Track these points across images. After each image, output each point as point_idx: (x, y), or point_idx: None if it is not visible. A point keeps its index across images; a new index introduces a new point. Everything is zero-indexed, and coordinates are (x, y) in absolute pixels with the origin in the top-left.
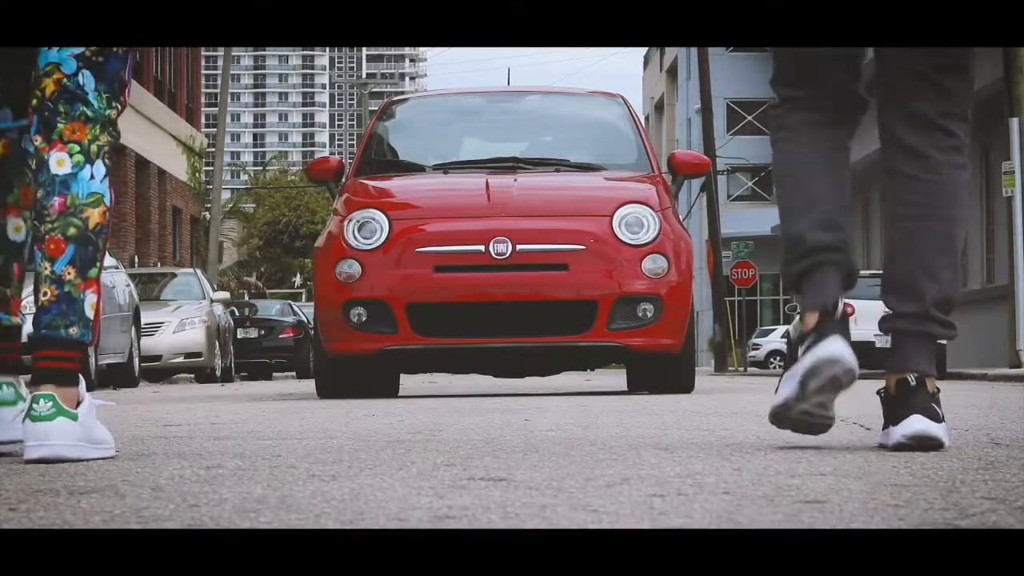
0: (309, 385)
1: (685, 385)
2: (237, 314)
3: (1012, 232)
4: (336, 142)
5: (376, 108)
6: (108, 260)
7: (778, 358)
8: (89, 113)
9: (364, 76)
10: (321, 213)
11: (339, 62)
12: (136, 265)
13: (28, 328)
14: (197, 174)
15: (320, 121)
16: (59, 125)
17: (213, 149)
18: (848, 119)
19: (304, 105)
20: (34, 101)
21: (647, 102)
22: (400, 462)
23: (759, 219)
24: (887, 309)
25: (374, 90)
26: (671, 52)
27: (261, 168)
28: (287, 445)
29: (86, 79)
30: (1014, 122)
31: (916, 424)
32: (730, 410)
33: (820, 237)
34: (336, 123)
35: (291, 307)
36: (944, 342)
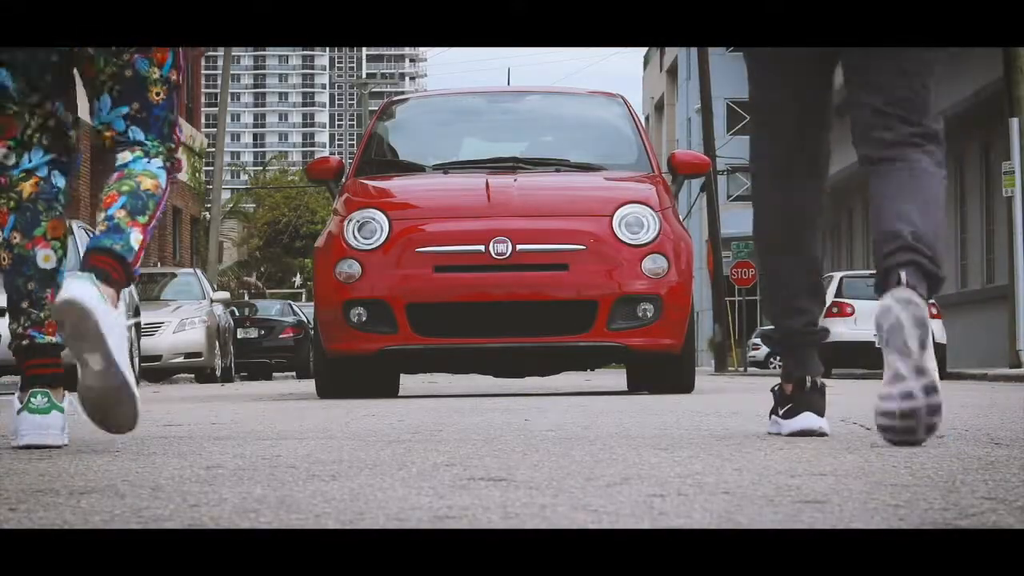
0: (309, 385)
1: (685, 385)
2: (237, 314)
3: (1012, 232)
4: (336, 142)
5: (376, 108)
6: None
7: (778, 358)
8: (150, 146)
9: (364, 76)
10: (321, 213)
11: (339, 62)
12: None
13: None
14: (197, 174)
15: (320, 121)
16: (124, 147)
17: (213, 149)
18: (821, 170)
19: (304, 105)
20: (102, 143)
21: (647, 102)
22: (400, 462)
23: None
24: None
25: (374, 90)
26: (671, 52)
27: (261, 168)
28: (287, 445)
29: (136, 134)
30: (1014, 122)
31: (807, 419)
32: (730, 410)
33: (790, 324)
34: (336, 123)
35: (291, 307)
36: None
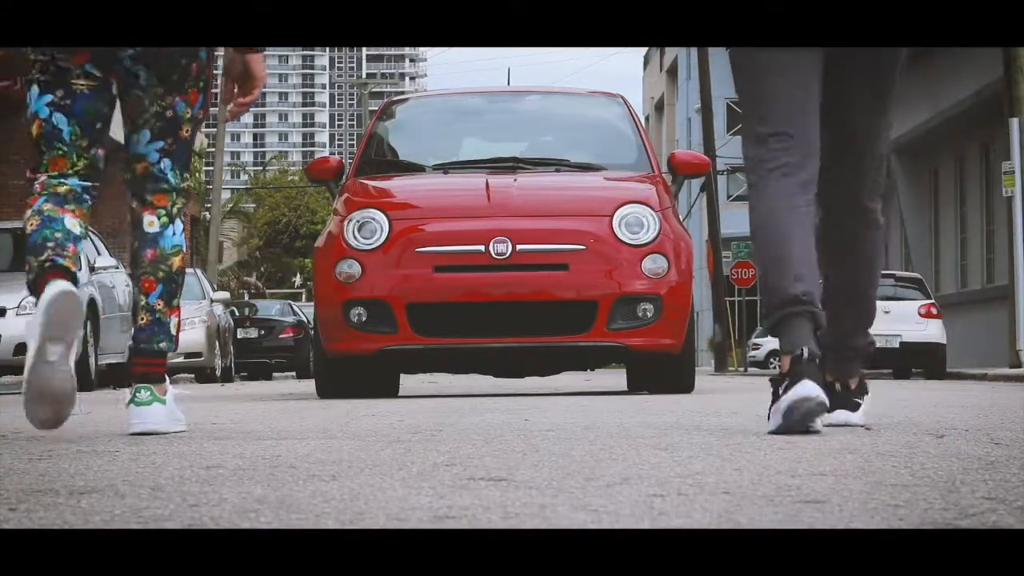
0: (309, 385)
1: (685, 385)
2: (237, 314)
3: (1012, 232)
4: (336, 142)
5: (376, 108)
6: (108, 260)
7: (778, 358)
8: (168, 187)
9: (364, 76)
10: (321, 213)
11: (339, 62)
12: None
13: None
14: (197, 174)
15: (320, 121)
16: (148, 196)
17: (213, 149)
18: (813, 165)
19: (304, 105)
20: (128, 176)
21: (647, 102)
22: (400, 462)
23: None
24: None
25: (374, 90)
26: (671, 52)
27: (261, 168)
28: (287, 445)
29: (165, 164)
30: (1014, 122)
31: (805, 386)
32: (730, 410)
33: (791, 289)
34: (336, 123)
35: (291, 307)
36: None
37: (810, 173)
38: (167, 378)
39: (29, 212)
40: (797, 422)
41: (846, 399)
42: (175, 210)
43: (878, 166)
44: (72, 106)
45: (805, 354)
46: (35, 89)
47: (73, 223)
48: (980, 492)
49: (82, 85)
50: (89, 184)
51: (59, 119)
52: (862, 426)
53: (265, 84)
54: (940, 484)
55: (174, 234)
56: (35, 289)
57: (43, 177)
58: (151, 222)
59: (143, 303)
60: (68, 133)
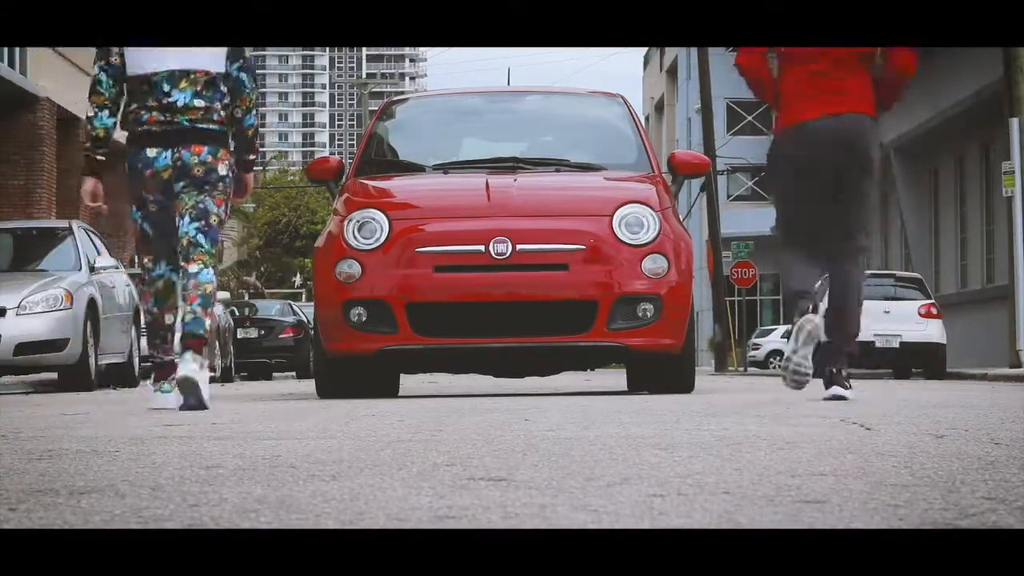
0: (309, 385)
1: (685, 385)
2: (237, 314)
3: (1012, 232)
4: (336, 142)
5: (376, 108)
6: (108, 260)
7: (778, 358)
8: (203, 251)
9: (364, 76)
10: (321, 213)
11: (339, 62)
12: (136, 265)
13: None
14: None
15: (320, 121)
16: (192, 255)
17: None
18: (815, 248)
19: (304, 105)
20: (178, 246)
21: (647, 102)
22: (400, 462)
23: (759, 219)
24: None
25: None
26: (671, 52)
27: (261, 168)
28: (287, 445)
29: (200, 238)
30: (1014, 122)
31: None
32: (730, 410)
33: (797, 288)
34: (336, 123)
35: (291, 307)
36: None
37: (813, 251)
38: (203, 352)
39: (144, 309)
40: (801, 344)
41: (840, 380)
42: (209, 261)
43: (867, 216)
44: (155, 218)
45: (807, 312)
46: (133, 208)
47: (168, 317)
48: (980, 492)
49: (153, 207)
50: (174, 267)
51: (145, 227)
52: (851, 399)
53: (253, 190)
54: (940, 484)
55: (208, 274)
56: (153, 375)
57: (146, 261)
58: (195, 267)
59: (188, 308)
60: (152, 235)
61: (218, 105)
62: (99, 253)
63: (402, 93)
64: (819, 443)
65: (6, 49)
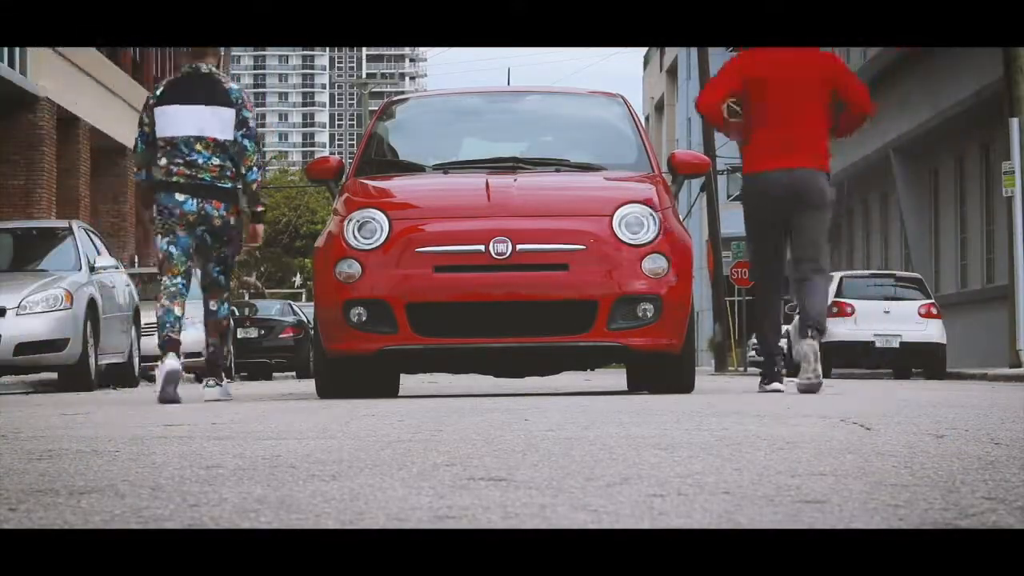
0: (309, 385)
1: (685, 385)
2: (237, 314)
3: (1012, 232)
4: (336, 142)
5: (376, 108)
6: (108, 260)
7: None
8: (221, 287)
9: (364, 76)
10: (321, 213)
11: (339, 62)
12: (136, 265)
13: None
14: None
15: (320, 121)
16: (214, 291)
17: None
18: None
19: (304, 105)
20: (202, 283)
21: (647, 102)
22: (400, 462)
23: None
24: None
25: (374, 90)
26: (671, 52)
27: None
28: (287, 445)
29: (221, 278)
30: (1014, 122)
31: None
32: (730, 410)
33: (772, 351)
34: (336, 123)
35: (291, 307)
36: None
37: (778, 281)
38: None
39: (159, 305)
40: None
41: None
42: (224, 296)
43: (823, 239)
44: (176, 242)
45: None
46: (159, 237)
47: (178, 311)
48: (980, 492)
49: (183, 232)
50: (184, 283)
51: (171, 250)
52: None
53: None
54: (940, 484)
55: (224, 309)
56: (162, 351)
57: (165, 279)
58: (214, 304)
59: (211, 341)
60: (175, 256)
61: (229, 164)
62: (99, 253)
63: (402, 93)
64: (819, 443)
65: (6, 49)
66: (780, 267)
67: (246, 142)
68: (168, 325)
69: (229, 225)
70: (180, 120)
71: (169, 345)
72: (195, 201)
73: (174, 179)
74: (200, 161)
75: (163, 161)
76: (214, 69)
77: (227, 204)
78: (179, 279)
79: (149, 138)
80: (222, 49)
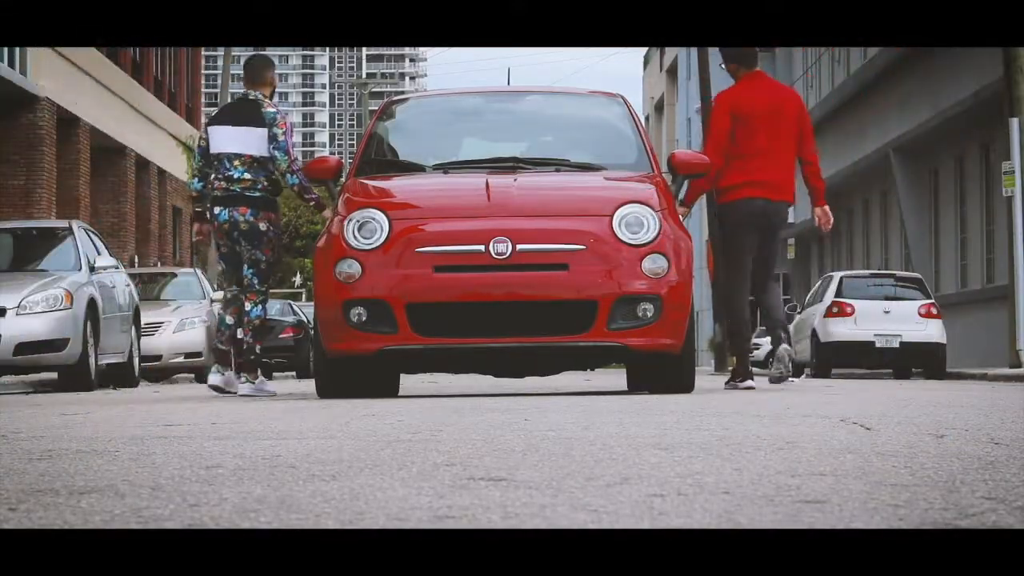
0: (309, 385)
1: (685, 385)
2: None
3: (1012, 232)
4: (336, 142)
5: (376, 108)
6: (108, 260)
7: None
8: (256, 290)
9: (364, 76)
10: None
11: (339, 62)
12: (136, 265)
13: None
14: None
15: (320, 121)
16: (248, 294)
17: None
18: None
19: (304, 105)
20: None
21: (647, 102)
22: (400, 462)
23: None
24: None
25: (374, 90)
26: (671, 52)
27: None
28: (287, 445)
29: (255, 280)
30: (1014, 122)
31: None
32: (730, 410)
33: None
34: (336, 123)
35: (291, 307)
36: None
37: (748, 280)
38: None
39: (217, 312)
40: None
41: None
42: (259, 298)
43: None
44: (223, 255)
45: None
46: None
47: (230, 319)
48: (980, 492)
49: (223, 249)
50: (239, 290)
51: (220, 264)
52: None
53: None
54: (940, 484)
55: (257, 310)
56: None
57: (225, 287)
58: (248, 305)
59: (244, 339)
60: (223, 268)
61: (262, 177)
62: (99, 253)
63: (402, 93)
64: (819, 443)
65: (6, 49)
66: (748, 276)
67: (276, 153)
68: (218, 332)
69: (258, 230)
70: (223, 139)
71: (216, 356)
72: (227, 211)
73: (215, 192)
74: (235, 175)
75: (212, 176)
76: (260, 96)
77: (253, 210)
78: (236, 290)
79: (204, 151)
80: (277, 80)
